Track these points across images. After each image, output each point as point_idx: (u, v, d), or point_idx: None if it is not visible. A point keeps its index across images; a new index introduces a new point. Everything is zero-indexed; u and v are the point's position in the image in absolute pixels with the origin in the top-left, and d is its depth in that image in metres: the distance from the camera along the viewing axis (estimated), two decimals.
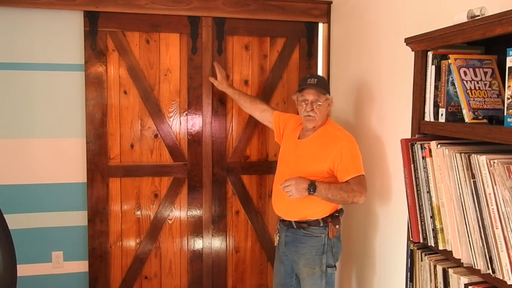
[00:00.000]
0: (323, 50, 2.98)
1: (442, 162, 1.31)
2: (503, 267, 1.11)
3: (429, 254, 1.45)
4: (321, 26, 2.98)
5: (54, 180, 2.76)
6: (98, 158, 2.75)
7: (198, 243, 2.94)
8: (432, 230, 1.40)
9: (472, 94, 1.30)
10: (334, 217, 2.22)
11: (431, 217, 1.40)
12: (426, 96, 1.48)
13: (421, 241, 1.45)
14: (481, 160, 1.14)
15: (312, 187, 2.07)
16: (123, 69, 2.76)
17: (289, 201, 2.14)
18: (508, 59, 1.10)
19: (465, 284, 1.27)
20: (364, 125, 2.48)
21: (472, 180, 1.19)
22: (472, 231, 1.21)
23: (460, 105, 1.33)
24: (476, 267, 1.21)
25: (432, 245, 1.40)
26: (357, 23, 2.57)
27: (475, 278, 1.26)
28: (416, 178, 1.44)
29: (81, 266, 2.84)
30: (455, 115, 1.38)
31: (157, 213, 2.87)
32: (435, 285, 1.41)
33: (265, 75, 2.95)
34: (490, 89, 1.33)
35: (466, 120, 1.29)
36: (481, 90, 1.32)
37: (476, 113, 1.28)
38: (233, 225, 2.98)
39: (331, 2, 2.90)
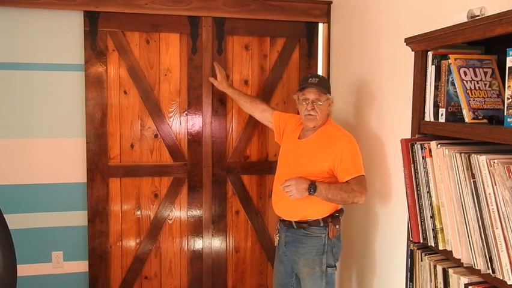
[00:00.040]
0: (323, 50, 2.98)
1: (442, 162, 1.31)
2: (503, 267, 1.11)
3: (429, 254, 1.45)
4: (321, 26, 2.98)
5: (54, 180, 2.76)
6: (98, 158, 2.75)
7: (198, 243, 2.94)
8: (432, 230, 1.40)
9: (472, 94, 1.30)
10: (334, 217, 2.22)
11: (431, 217, 1.40)
12: (426, 96, 1.48)
13: (421, 241, 1.45)
14: (481, 160, 1.14)
15: (312, 187, 2.07)
16: (123, 69, 2.76)
17: (289, 201, 2.14)
18: (508, 59, 1.10)
19: (465, 284, 1.27)
20: (364, 125, 2.48)
21: (472, 180, 1.19)
22: (472, 231, 1.21)
23: (460, 105, 1.33)
24: (476, 267, 1.21)
25: (432, 245, 1.40)
26: (357, 23, 2.57)
27: (475, 278, 1.26)
28: (416, 178, 1.44)
29: (81, 266, 2.84)
30: (455, 115, 1.38)
31: (157, 213, 2.87)
32: (435, 285, 1.41)
33: (265, 75, 2.95)
34: (490, 89, 1.33)
35: (466, 120, 1.29)
36: (481, 90, 1.32)
37: (476, 113, 1.28)
38: (233, 225, 2.98)
39: (331, 2, 2.90)
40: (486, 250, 1.16)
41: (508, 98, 1.10)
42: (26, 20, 2.64)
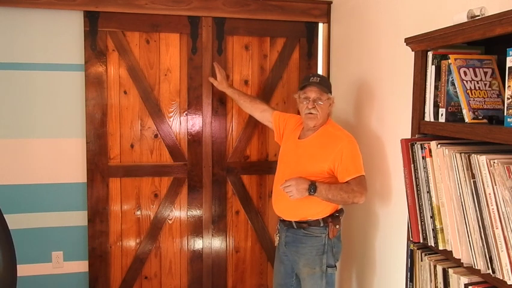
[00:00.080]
0: (323, 50, 2.98)
1: (442, 162, 1.31)
2: (503, 267, 1.11)
3: (429, 254, 1.45)
4: (321, 26, 2.98)
5: (54, 180, 2.76)
6: (98, 158, 2.75)
7: (198, 243, 2.94)
8: (432, 230, 1.40)
9: (472, 94, 1.30)
10: (334, 217, 2.22)
11: (431, 217, 1.40)
12: (426, 96, 1.48)
13: (421, 241, 1.45)
14: (481, 160, 1.14)
15: (312, 187, 2.07)
16: (123, 69, 2.76)
17: (289, 201, 2.14)
18: (508, 59, 1.10)
19: (465, 284, 1.27)
20: (364, 125, 2.48)
21: (472, 180, 1.19)
22: (472, 231, 1.21)
23: (460, 105, 1.33)
24: (476, 267, 1.21)
25: (432, 245, 1.40)
26: (357, 23, 2.57)
27: (475, 278, 1.26)
28: (416, 178, 1.44)
29: (81, 266, 2.84)
30: (455, 115, 1.38)
31: (157, 213, 2.87)
32: (435, 285, 1.41)
33: (265, 75, 2.95)
34: (490, 89, 1.33)
35: (466, 120, 1.29)
36: (481, 90, 1.32)
37: (476, 113, 1.28)
38: (233, 225, 2.98)
39: (331, 2, 2.90)
40: (486, 250, 1.16)
41: (508, 98, 1.10)
42: (26, 20, 2.64)
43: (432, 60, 1.43)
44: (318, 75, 2.32)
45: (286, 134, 2.43)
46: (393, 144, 2.15)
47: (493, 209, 1.12)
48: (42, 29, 2.67)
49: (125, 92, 2.78)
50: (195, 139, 2.87)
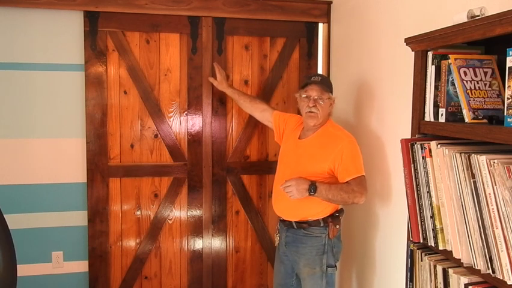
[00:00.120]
0: (323, 50, 2.98)
1: (442, 162, 1.31)
2: (503, 267, 1.11)
3: (429, 254, 1.45)
4: (321, 26, 2.98)
5: (54, 180, 2.76)
6: (98, 158, 2.75)
7: (198, 243, 2.94)
8: (432, 230, 1.40)
9: (472, 94, 1.30)
10: (334, 217, 2.22)
11: (431, 217, 1.40)
12: (426, 96, 1.48)
13: (421, 241, 1.45)
14: (481, 160, 1.14)
15: (312, 188, 2.07)
16: (123, 69, 2.76)
17: (289, 201, 2.14)
18: (508, 59, 1.10)
19: (465, 284, 1.27)
20: (364, 125, 2.48)
21: (472, 180, 1.19)
22: (472, 231, 1.21)
23: (460, 105, 1.33)
24: (476, 267, 1.21)
25: (432, 245, 1.40)
26: (357, 23, 2.57)
27: (475, 278, 1.26)
28: (416, 178, 1.44)
29: (81, 266, 2.84)
30: (455, 115, 1.38)
31: (157, 213, 2.87)
32: (435, 285, 1.41)
33: (265, 75, 2.95)
34: (490, 89, 1.33)
35: (466, 120, 1.29)
36: (481, 90, 1.32)
37: (476, 113, 1.28)
38: (233, 225, 2.98)
39: (331, 2, 2.90)
40: (486, 250, 1.16)
41: (508, 98, 1.10)
42: (26, 20, 2.64)
43: (432, 60, 1.43)
44: (320, 75, 2.33)
45: (287, 134, 2.43)
46: (393, 144, 2.15)
47: (493, 209, 1.12)
48: (42, 29, 2.67)
49: (125, 92, 2.78)
50: (195, 139, 2.87)
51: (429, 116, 1.47)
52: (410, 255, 1.54)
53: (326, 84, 2.23)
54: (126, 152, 2.81)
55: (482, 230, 1.17)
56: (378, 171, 2.32)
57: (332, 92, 2.27)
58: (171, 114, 2.84)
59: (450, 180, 1.28)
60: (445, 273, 1.36)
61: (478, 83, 1.32)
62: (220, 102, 2.88)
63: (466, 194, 1.22)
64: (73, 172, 2.78)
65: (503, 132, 1.12)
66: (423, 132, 1.50)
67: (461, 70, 1.33)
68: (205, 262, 2.95)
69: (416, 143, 1.43)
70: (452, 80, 1.36)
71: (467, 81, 1.32)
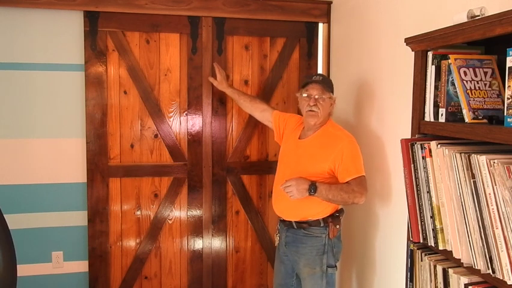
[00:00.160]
0: (323, 50, 2.98)
1: (442, 162, 1.31)
2: (503, 267, 1.11)
3: (429, 254, 1.45)
4: (321, 26, 2.98)
5: (54, 180, 2.76)
6: (98, 158, 2.75)
7: (198, 243, 2.94)
8: (432, 230, 1.40)
9: (472, 94, 1.30)
10: (334, 217, 2.22)
11: (431, 217, 1.40)
12: (426, 96, 1.48)
13: (421, 241, 1.45)
14: (481, 160, 1.14)
15: (312, 188, 2.07)
16: (123, 69, 2.76)
17: (289, 201, 2.14)
18: (508, 59, 1.10)
19: (465, 284, 1.27)
20: (364, 125, 2.48)
21: (472, 180, 1.19)
22: (472, 231, 1.21)
23: (460, 105, 1.33)
24: (476, 267, 1.21)
25: (432, 245, 1.40)
26: (357, 23, 2.57)
27: (475, 278, 1.26)
28: (416, 178, 1.44)
29: (81, 266, 2.84)
30: (455, 115, 1.38)
31: (157, 213, 2.87)
32: (435, 285, 1.41)
33: (265, 75, 2.95)
34: (490, 89, 1.33)
35: (466, 120, 1.29)
36: (481, 90, 1.32)
37: (476, 113, 1.28)
38: (233, 225, 2.98)
39: (331, 2, 2.90)
40: (486, 250, 1.16)
41: (508, 98, 1.10)
42: (26, 20, 2.64)
43: (432, 60, 1.43)
44: (321, 75, 2.34)
45: (287, 134, 2.43)
46: (393, 144, 2.15)
47: (493, 209, 1.12)
48: (42, 29, 2.67)
49: (125, 92, 2.78)
50: (195, 139, 2.87)
51: (429, 116, 1.47)
52: (410, 255, 1.54)
53: (327, 83, 2.23)
54: (126, 152, 2.81)
55: (482, 230, 1.17)
56: (378, 171, 2.32)
57: (332, 92, 2.27)
58: (171, 114, 2.84)
59: (450, 180, 1.28)
60: (445, 273, 1.36)
61: (478, 83, 1.32)
62: (220, 102, 2.88)
63: (466, 194, 1.22)
64: (73, 172, 2.78)
65: (503, 132, 1.12)
66: (423, 132, 1.50)
67: (461, 70, 1.33)
68: (205, 262, 2.95)
69: (416, 143, 1.43)
70: (452, 80, 1.36)
71: (467, 81, 1.32)
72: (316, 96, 2.19)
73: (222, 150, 2.91)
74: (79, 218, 2.80)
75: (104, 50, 2.71)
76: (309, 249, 2.20)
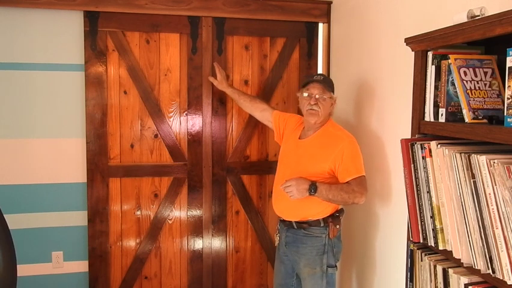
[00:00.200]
0: (323, 50, 2.98)
1: (442, 162, 1.31)
2: (503, 267, 1.11)
3: (429, 254, 1.45)
4: (321, 26, 2.98)
5: (54, 180, 2.76)
6: (98, 158, 2.75)
7: (198, 243, 2.94)
8: (432, 230, 1.40)
9: (472, 94, 1.30)
10: (334, 217, 2.22)
11: (431, 217, 1.40)
12: (426, 96, 1.48)
13: (421, 241, 1.45)
14: (481, 160, 1.14)
15: (313, 188, 2.07)
16: (123, 69, 2.76)
17: (289, 201, 2.14)
18: (508, 59, 1.10)
19: (465, 284, 1.27)
20: (364, 125, 2.48)
21: (472, 180, 1.19)
22: (472, 231, 1.21)
23: (460, 105, 1.33)
24: (476, 267, 1.21)
25: (432, 245, 1.40)
26: (357, 23, 2.57)
27: (475, 278, 1.26)
28: (416, 178, 1.44)
29: (81, 266, 2.84)
30: (455, 115, 1.38)
31: (157, 213, 2.87)
32: (435, 285, 1.41)
33: (265, 75, 2.95)
34: (490, 89, 1.33)
35: (466, 120, 1.29)
36: (481, 90, 1.32)
37: (476, 113, 1.28)
38: (233, 225, 2.98)
39: (331, 2, 2.90)
40: (486, 250, 1.16)
41: (508, 98, 1.10)
42: (26, 20, 2.64)
43: (432, 60, 1.43)
44: (322, 75, 2.34)
45: (287, 134, 2.43)
46: (393, 144, 2.15)
47: (493, 209, 1.12)
48: (42, 29, 2.67)
49: (125, 92, 2.78)
50: (195, 139, 2.87)
51: (429, 116, 1.47)
52: (410, 255, 1.54)
53: (328, 83, 2.24)
54: (126, 152, 2.81)
55: (482, 230, 1.17)
56: (378, 171, 2.32)
57: (333, 92, 2.27)
58: (171, 114, 2.84)
59: (450, 180, 1.28)
60: (445, 273, 1.36)
61: (478, 83, 1.32)
62: (220, 102, 2.88)
63: (466, 194, 1.22)
64: (73, 172, 2.78)
65: (503, 132, 1.12)
66: (423, 132, 1.50)
67: (461, 70, 1.33)
68: (205, 262, 2.95)
69: (416, 143, 1.43)
70: (452, 80, 1.36)
71: (467, 81, 1.32)
72: (317, 96, 2.19)
73: (222, 150, 2.91)
74: (79, 218, 2.80)
75: (104, 50, 2.71)
76: (309, 249, 2.20)
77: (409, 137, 1.55)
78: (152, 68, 2.80)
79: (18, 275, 2.02)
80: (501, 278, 1.12)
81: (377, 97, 2.35)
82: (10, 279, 1.94)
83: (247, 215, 2.99)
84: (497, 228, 1.11)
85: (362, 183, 2.11)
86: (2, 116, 2.67)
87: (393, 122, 2.18)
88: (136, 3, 2.67)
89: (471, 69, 1.33)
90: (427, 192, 1.40)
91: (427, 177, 1.39)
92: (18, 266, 2.02)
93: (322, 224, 2.19)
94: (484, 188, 1.14)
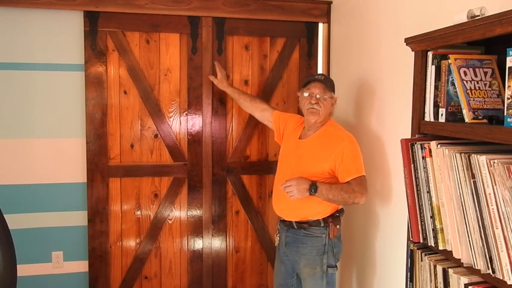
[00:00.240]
0: (323, 50, 2.98)
1: (442, 162, 1.31)
2: (503, 267, 1.11)
3: (429, 254, 1.45)
4: (321, 26, 2.98)
5: (54, 180, 2.76)
6: (98, 158, 2.75)
7: (198, 243, 2.94)
8: (432, 230, 1.40)
9: (472, 94, 1.30)
10: (335, 217, 2.22)
11: (431, 217, 1.40)
12: (426, 96, 1.48)
13: (421, 241, 1.45)
14: (481, 160, 1.14)
15: (313, 188, 2.07)
16: (123, 69, 2.76)
17: (289, 201, 2.14)
18: (508, 59, 1.10)
19: (465, 284, 1.27)
20: (364, 125, 2.48)
21: (472, 180, 1.19)
22: (472, 231, 1.21)
23: (460, 105, 1.33)
24: (476, 267, 1.21)
25: (432, 245, 1.40)
26: (357, 23, 2.57)
27: (475, 278, 1.26)
28: (416, 178, 1.44)
29: (81, 266, 2.84)
30: (455, 115, 1.38)
31: (157, 213, 2.87)
32: (435, 285, 1.41)
33: (265, 75, 2.95)
34: (490, 89, 1.33)
35: (466, 120, 1.29)
36: (481, 90, 1.32)
37: (476, 113, 1.28)
38: (233, 225, 2.98)
39: (331, 2, 2.90)
40: (486, 250, 1.16)
41: (508, 98, 1.10)
42: (26, 20, 2.64)
43: (432, 60, 1.43)
44: (323, 75, 2.35)
45: (287, 134, 2.43)
46: (393, 144, 2.15)
47: (493, 209, 1.12)
48: (42, 29, 2.67)
49: (125, 92, 2.78)
50: (195, 139, 2.87)
51: (429, 116, 1.47)
52: (410, 255, 1.54)
53: (328, 83, 2.24)
54: (126, 152, 2.81)
55: (482, 230, 1.17)
56: (378, 171, 2.32)
57: (334, 92, 2.27)
58: (171, 114, 2.84)
59: (450, 180, 1.28)
60: (445, 273, 1.36)
61: (478, 83, 1.32)
62: (220, 102, 2.88)
63: (466, 194, 1.22)
64: (73, 172, 2.78)
65: (503, 132, 1.12)
66: (423, 132, 1.50)
67: (461, 70, 1.33)
68: (205, 262, 2.95)
69: (416, 143, 1.43)
70: (452, 80, 1.36)
71: (467, 81, 1.32)
72: (318, 95, 2.19)
73: (222, 150, 2.91)
74: (79, 218, 2.80)
75: (104, 50, 2.71)
76: (310, 249, 2.20)
77: (409, 137, 1.55)
78: (152, 68, 2.80)
79: (18, 275, 2.02)
80: (501, 278, 1.12)
81: (377, 97, 2.35)
82: (10, 279, 1.94)
83: (247, 215, 2.99)
84: (497, 228, 1.11)
85: (362, 183, 2.11)
86: (2, 116, 2.67)
87: (393, 122, 2.18)
88: (136, 3, 2.67)
89: (471, 69, 1.33)
90: (427, 192, 1.40)
91: (427, 177, 1.39)
92: (18, 266, 2.02)
93: (322, 224, 2.19)
94: (484, 188, 1.14)
